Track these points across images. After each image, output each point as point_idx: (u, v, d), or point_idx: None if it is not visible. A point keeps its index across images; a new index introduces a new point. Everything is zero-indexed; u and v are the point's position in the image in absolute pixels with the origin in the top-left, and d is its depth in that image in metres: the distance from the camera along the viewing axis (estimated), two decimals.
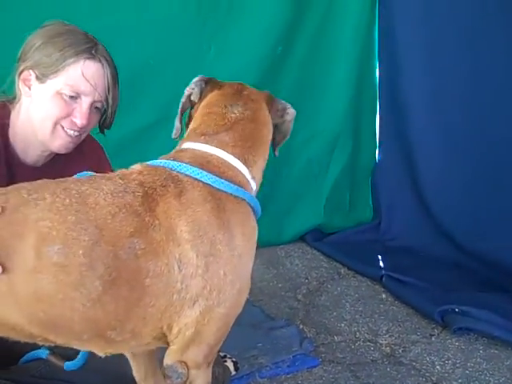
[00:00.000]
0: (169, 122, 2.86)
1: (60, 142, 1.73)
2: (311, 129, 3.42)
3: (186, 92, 1.59)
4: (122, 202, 1.32)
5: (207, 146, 1.47)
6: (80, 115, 1.69)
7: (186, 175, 1.39)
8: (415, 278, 2.99)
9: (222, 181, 1.40)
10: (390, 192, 3.65)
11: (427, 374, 2.32)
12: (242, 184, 1.46)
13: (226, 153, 1.46)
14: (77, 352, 1.66)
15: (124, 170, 1.44)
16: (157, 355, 1.63)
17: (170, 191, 1.35)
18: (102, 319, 1.31)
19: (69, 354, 1.76)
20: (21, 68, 1.71)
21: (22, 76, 1.72)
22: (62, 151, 1.76)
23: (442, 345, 2.54)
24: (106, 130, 1.85)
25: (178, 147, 1.52)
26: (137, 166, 1.44)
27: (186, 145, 1.50)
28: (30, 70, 1.69)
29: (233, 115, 1.51)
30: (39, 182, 1.37)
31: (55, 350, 1.80)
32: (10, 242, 1.26)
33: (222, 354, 2.27)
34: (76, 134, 1.73)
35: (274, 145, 1.67)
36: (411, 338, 2.59)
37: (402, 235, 3.55)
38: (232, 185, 1.42)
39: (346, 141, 3.56)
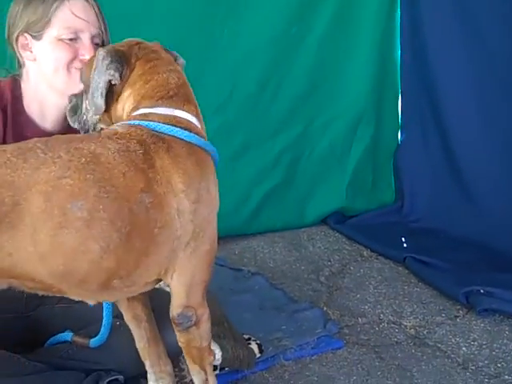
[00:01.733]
0: None
1: (77, 83, 1.74)
2: (332, 111, 3.39)
3: (106, 78, 1.57)
4: (129, 160, 1.42)
5: (167, 108, 1.57)
6: (86, 51, 1.75)
7: (166, 134, 1.51)
8: (439, 259, 2.97)
9: (197, 137, 1.56)
10: (413, 173, 3.61)
11: (453, 356, 2.31)
12: (204, 138, 1.62)
13: (185, 112, 1.59)
14: (97, 331, 1.79)
15: (108, 129, 1.55)
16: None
17: (161, 148, 1.48)
18: (114, 270, 1.41)
19: (91, 335, 1.82)
20: (14, 36, 1.77)
21: (19, 43, 1.78)
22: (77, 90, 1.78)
23: (468, 326, 2.52)
24: None
25: (133, 112, 1.58)
26: (119, 126, 1.53)
27: (144, 110, 1.57)
28: (25, 34, 1.75)
29: (173, 81, 1.61)
30: (49, 139, 1.44)
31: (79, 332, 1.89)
32: (36, 201, 1.31)
33: (246, 337, 2.28)
34: None
35: None
36: (436, 320, 2.58)
37: (424, 217, 3.52)
38: (203, 140, 1.59)
39: (368, 123, 3.52)
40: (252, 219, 3.29)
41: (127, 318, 1.79)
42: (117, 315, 1.89)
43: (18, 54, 1.82)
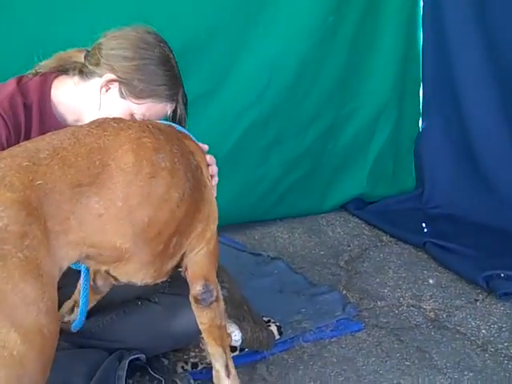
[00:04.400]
0: (217, 96, 2.90)
1: None
2: (359, 100, 3.36)
3: None
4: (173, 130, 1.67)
5: None
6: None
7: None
8: (459, 244, 2.96)
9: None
10: (433, 160, 3.58)
11: (472, 338, 2.32)
12: None
13: None
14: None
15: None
16: None
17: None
18: (181, 222, 1.54)
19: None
20: (106, 73, 1.69)
21: (106, 77, 1.69)
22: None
23: (487, 310, 2.52)
24: None
25: None
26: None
27: None
28: (117, 83, 1.69)
29: None
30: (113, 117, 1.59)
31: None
32: (125, 158, 1.43)
33: (266, 319, 2.30)
34: None
35: None
36: (455, 303, 2.58)
37: (444, 203, 3.49)
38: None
39: (391, 111, 3.49)
40: (274, 206, 3.30)
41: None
42: (139, 296, 1.93)
43: (94, 73, 1.73)
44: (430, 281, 2.78)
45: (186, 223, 1.57)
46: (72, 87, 1.76)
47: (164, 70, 1.73)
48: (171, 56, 1.77)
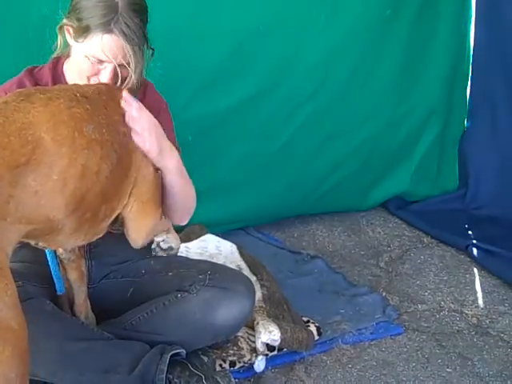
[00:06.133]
0: (277, 89, 2.89)
1: None
2: (412, 99, 3.29)
3: None
4: (105, 98, 1.65)
5: None
6: (104, 77, 1.78)
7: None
8: (503, 247, 2.89)
9: None
10: (478, 160, 3.50)
11: None
12: None
13: None
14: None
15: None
16: None
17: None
18: (110, 190, 1.57)
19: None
20: (64, 23, 1.78)
21: (65, 27, 1.79)
22: None
23: None
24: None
25: None
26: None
27: None
28: (69, 27, 1.77)
29: None
30: (38, 87, 1.65)
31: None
32: (57, 130, 1.43)
33: (305, 319, 2.29)
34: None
35: None
36: (499, 309, 2.52)
37: (488, 204, 3.42)
38: None
39: (441, 110, 3.41)
40: (315, 203, 3.26)
41: (73, 277, 1.89)
42: (178, 288, 1.93)
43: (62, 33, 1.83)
44: (473, 285, 2.72)
45: (115, 191, 1.60)
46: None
47: (95, 2, 1.73)
48: None
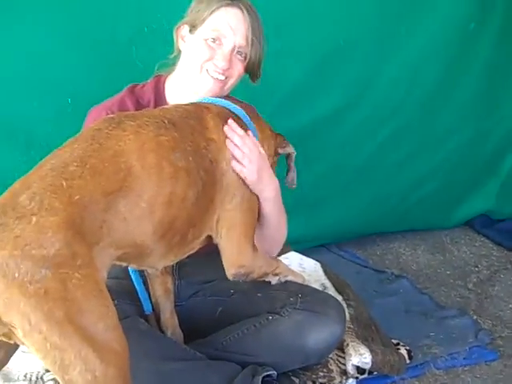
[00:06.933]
0: (359, 105, 2.84)
1: (207, 86, 1.83)
2: (497, 113, 3.19)
3: None
4: (191, 123, 1.65)
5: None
6: (221, 57, 1.80)
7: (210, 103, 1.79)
8: None
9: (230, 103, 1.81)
10: None
11: None
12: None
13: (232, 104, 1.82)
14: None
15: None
16: None
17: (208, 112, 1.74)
18: (196, 216, 1.58)
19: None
20: (179, 24, 1.87)
21: (179, 32, 1.87)
22: (209, 95, 1.84)
23: None
24: (259, 83, 1.98)
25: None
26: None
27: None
28: (185, 25, 1.84)
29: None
30: (126, 113, 1.62)
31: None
32: (147, 158, 1.45)
33: (394, 342, 2.21)
34: (220, 77, 1.83)
35: None
36: None
37: None
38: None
39: None
40: (397, 221, 3.19)
41: (159, 292, 1.89)
42: (269, 310, 1.90)
43: (176, 41, 1.89)
44: None
45: (201, 216, 1.60)
46: (174, 72, 1.92)
47: None
48: None
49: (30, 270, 1.19)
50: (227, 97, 1.88)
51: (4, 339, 1.28)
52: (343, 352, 2.07)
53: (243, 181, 1.71)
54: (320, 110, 2.82)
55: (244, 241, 1.73)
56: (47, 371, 1.91)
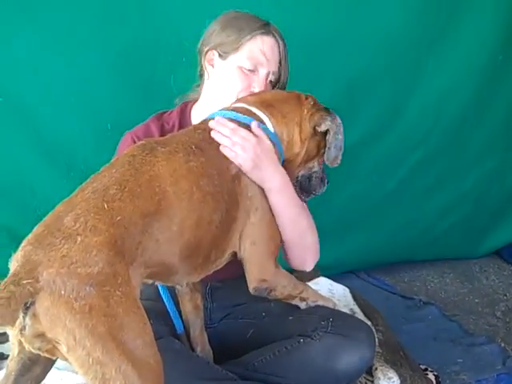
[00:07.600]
0: (388, 132, 2.89)
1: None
2: None
3: None
4: (214, 146, 1.70)
5: (247, 105, 1.80)
6: (258, 84, 1.88)
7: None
8: None
9: (245, 116, 1.77)
10: None
11: None
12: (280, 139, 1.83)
13: (259, 110, 1.79)
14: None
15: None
16: None
17: None
18: (220, 237, 1.63)
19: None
20: (205, 50, 1.93)
21: (206, 57, 1.93)
22: None
23: None
24: None
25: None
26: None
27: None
28: (213, 51, 1.91)
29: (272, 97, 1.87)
30: (155, 139, 1.69)
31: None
32: (180, 184, 1.52)
33: (423, 367, 2.23)
34: None
35: None
36: None
37: None
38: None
39: None
40: (425, 249, 3.22)
41: (189, 309, 1.93)
42: (300, 333, 1.94)
43: (203, 67, 1.97)
44: None
45: (224, 236, 1.66)
46: (200, 98, 1.99)
47: (243, 14, 1.89)
48: (240, 13, 1.93)
49: (75, 288, 1.25)
50: (238, 100, 1.86)
51: (47, 355, 1.33)
52: (372, 376, 2.09)
53: (265, 195, 1.74)
54: (348, 137, 2.83)
55: (267, 255, 1.77)
56: None
